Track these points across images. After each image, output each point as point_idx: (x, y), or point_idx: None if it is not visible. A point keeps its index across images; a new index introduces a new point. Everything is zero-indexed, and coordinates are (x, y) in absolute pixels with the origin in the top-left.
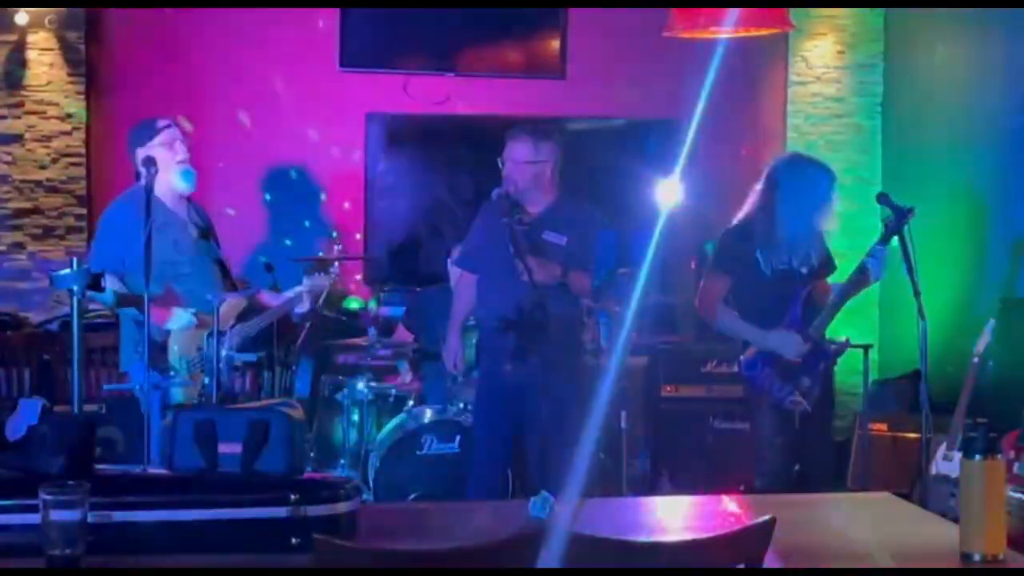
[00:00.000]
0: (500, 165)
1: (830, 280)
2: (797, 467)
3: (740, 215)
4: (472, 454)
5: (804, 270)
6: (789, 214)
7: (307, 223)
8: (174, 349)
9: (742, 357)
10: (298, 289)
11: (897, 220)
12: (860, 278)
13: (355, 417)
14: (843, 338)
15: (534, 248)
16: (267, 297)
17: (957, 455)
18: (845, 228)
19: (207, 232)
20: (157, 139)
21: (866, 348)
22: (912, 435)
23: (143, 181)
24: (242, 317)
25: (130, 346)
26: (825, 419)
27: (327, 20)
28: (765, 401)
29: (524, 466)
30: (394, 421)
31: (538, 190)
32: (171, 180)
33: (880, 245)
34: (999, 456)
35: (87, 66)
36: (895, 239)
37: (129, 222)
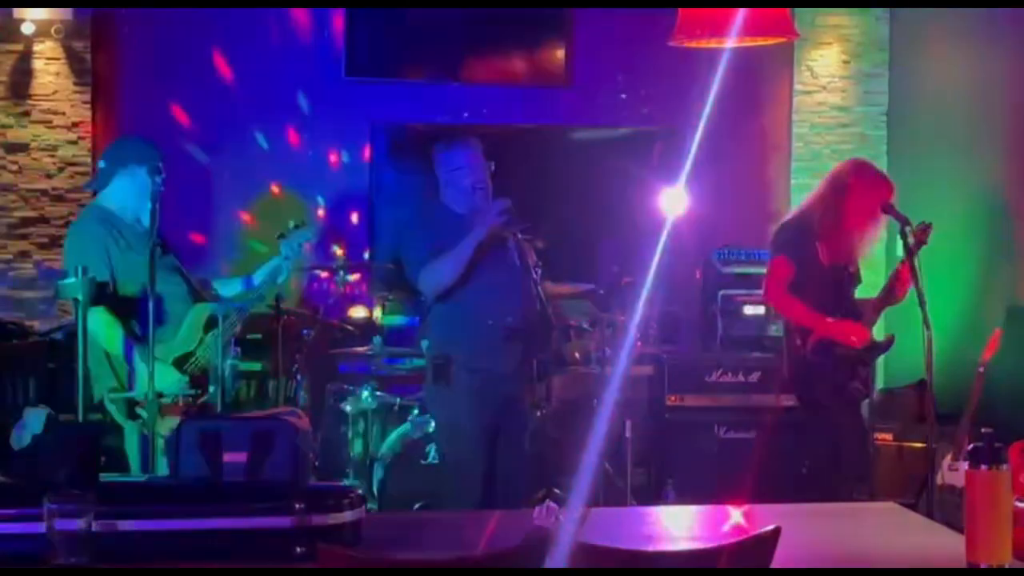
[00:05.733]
0: (456, 173)
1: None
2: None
3: (796, 211)
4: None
5: (852, 269)
6: (856, 215)
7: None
8: None
9: (808, 344)
10: (274, 262)
11: (901, 231)
12: (891, 292)
13: (360, 426)
14: (887, 336)
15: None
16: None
17: (963, 465)
18: None
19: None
20: None
21: None
22: (918, 444)
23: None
24: (211, 324)
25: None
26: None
27: (333, 29)
28: (830, 387)
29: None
30: (399, 430)
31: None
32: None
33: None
34: (1005, 466)
35: (93, 75)
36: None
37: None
